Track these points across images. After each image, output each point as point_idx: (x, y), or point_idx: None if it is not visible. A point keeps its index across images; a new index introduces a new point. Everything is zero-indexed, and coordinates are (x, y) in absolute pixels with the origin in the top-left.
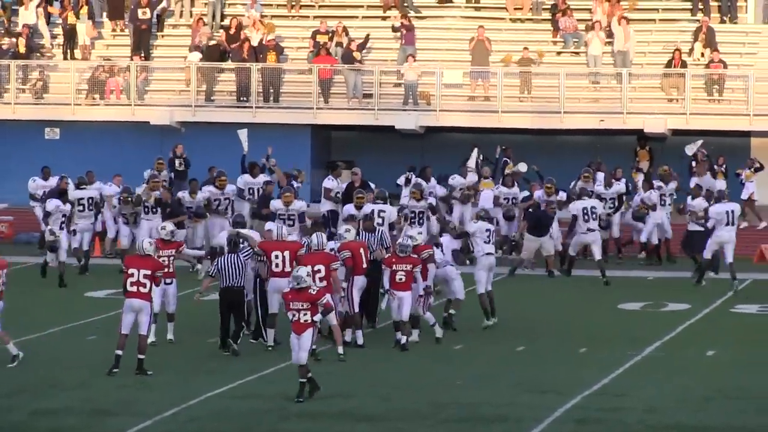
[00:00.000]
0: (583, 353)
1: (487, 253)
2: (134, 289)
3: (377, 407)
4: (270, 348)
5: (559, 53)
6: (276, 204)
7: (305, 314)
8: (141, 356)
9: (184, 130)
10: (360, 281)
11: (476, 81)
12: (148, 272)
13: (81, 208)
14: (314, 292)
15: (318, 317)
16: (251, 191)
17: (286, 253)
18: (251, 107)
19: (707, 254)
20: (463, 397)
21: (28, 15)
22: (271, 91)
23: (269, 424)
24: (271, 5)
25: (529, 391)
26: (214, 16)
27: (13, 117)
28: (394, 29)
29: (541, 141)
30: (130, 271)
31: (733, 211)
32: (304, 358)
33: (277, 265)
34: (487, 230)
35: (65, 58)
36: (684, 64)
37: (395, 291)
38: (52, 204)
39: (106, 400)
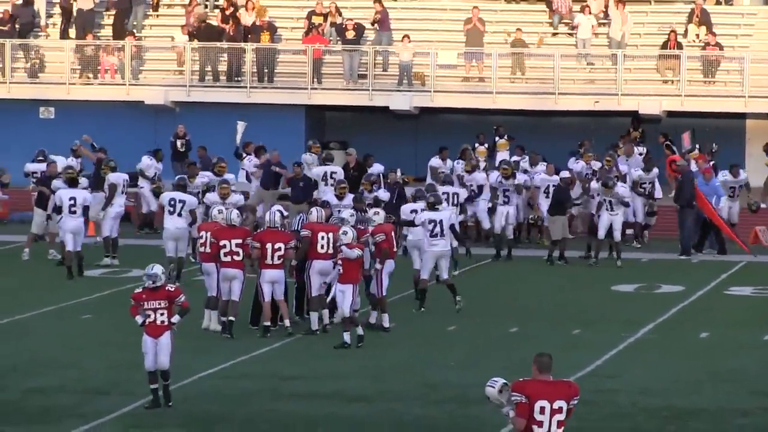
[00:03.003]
0: (576, 335)
1: (432, 245)
2: (228, 258)
3: (369, 388)
4: (317, 332)
5: (554, 35)
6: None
7: (162, 314)
8: (231, 318)
9: (178, 109)
10: (391, 265)
11: (471, 62)
12: (239, 241)
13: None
14: (172, 290)
15: (176, 318)
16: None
17: (330, 235)
18: (245, 87)
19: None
20: (456, 379)
21: None
22: (266, 71)
23: (261, 404)
24: None
25: (521, 373)
26: None
27: (8, 96)
28: (373, 23)
29: (535, 122)
30: (222, 242)
31: None
32: (166, 362)
33: (322, 246)
34: (431, 221)
35: (62, 37)
36: (679, 46)
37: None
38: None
39: (97, 380)
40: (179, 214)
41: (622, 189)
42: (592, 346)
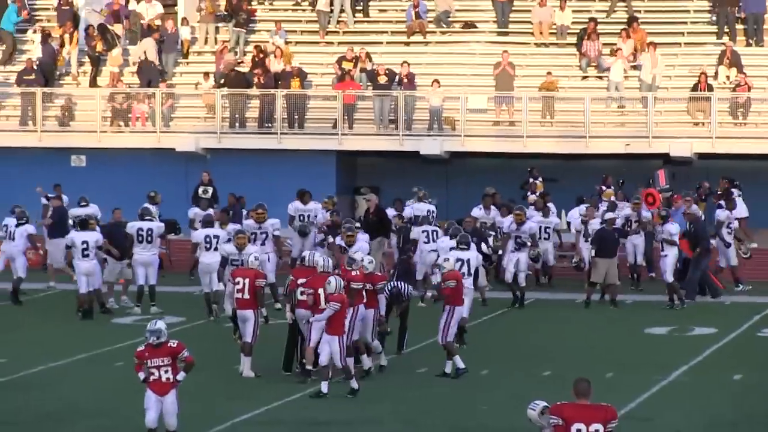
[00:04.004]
0: (610, 378)
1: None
2: (239, 295)
3: None
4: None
5: (584, 77)
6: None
7: (166, 371)
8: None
9: (209, 156)
10: (459, 312)
11: (501, 106)
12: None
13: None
14: (174, 346)
15: (181, 376)
16: (302, 218)
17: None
18: (276, 133)
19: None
20: (489, 422)
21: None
22: (296, 117)
23: None
24: (296, 32)
25: None
26: (237, 42)
27: (39, 144)
28: (400, 79)
29: (566, 165)
30: (237, 279)
31: None
32: (173, 424)
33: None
34: (459, 260)
35: (91, 86)
36: (710, 88)
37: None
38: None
39: (129, 428)
40: (215, 249)
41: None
42: (625, 389)
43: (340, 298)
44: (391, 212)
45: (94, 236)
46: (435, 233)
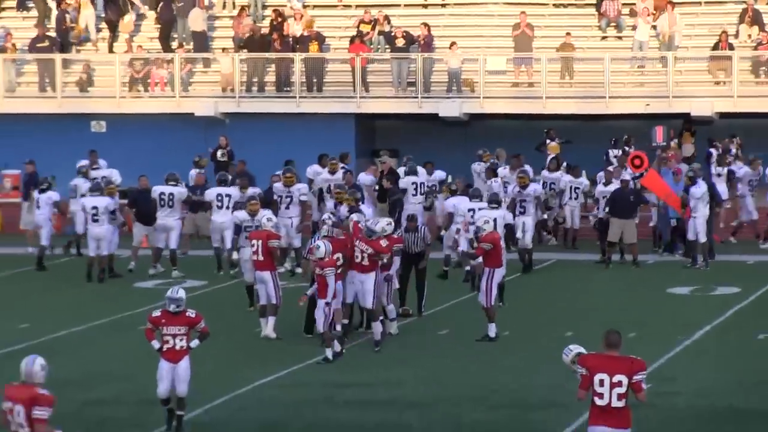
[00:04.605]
0: (633, 338)
1: None
2: (255, 257)
3: (426, 394)
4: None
5: (603, 38)
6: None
7: (181, 339)
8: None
9: (228, 121)
10: (500, 273)
11: (519, 67)
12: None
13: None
14: (192, 316)
15: (194, 343)
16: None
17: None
18: (294, 97)
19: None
20: (512, 383)
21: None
22: (314, 81)
23: (317, 412)
24: None
25: (577, 378)
26: (255, 6)
27: (59, 110)
28: (416, 39)
29: (586, 126)
30: (252, 242)
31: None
32: (184, 390)
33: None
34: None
35: (110, 51)
36: (731, 47)
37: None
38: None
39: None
40: (227, 207)
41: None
42: (648, 350)
43: (331, 263)
44: (441, 174)
45: (105, 201)
46: (423, 185)
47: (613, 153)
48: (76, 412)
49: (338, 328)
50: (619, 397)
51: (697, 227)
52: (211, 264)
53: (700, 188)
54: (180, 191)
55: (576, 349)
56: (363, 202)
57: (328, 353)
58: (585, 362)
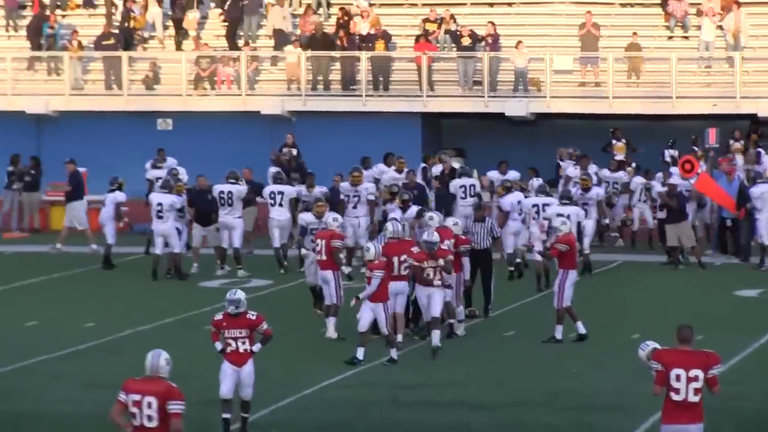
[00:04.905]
0: (700, 340)
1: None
2: (319, 257)
3: (491, 396)
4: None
5: (669, 38)
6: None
7: (243, 342)
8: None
9: (294, 119)
10: (574, 275)
11: (586, 67)
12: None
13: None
14: (253, 318)
15: (257, 347)
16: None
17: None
18: (361, 96)
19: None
20: (578, 386)
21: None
22: (380, 79)
23: (383, 413)
24: None
25: (644, 379)
26: (319, 5)
27: (125, 108)
28: (483, 38)
29: (652, 126)
30: (317, 241)
31: None
32: (249, 394)
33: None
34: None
35: (177, 49)
36: None
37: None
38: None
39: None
40: (280, 205)
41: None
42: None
43: (381, 265)
44: (493, 174)
45: (171, 199)
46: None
47: (669, 153)
48: None
49: (399, 338)
50: (696, 391)
51: (761, 229)
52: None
53: (758, 188)
54: (239, 189)
55: (652, 344)
56: (412, 204)
57: (393, 353)
58: (660, 358)
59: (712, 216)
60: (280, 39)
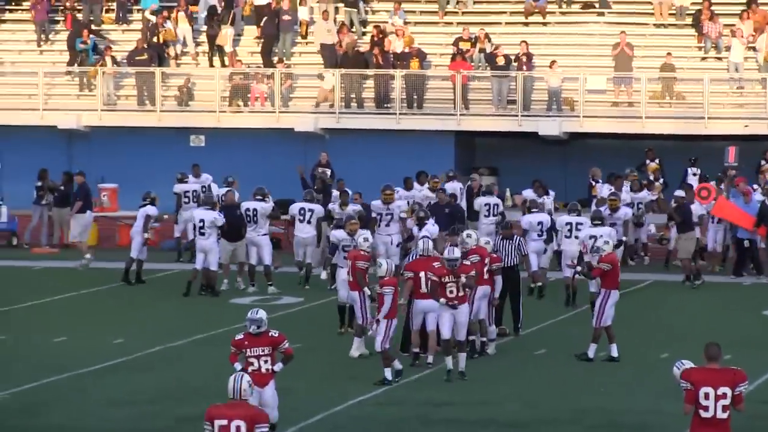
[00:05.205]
0: (728, 360)
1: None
2: (348, 277)
3: (521, 414)
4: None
5: (703, 59)
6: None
7: (266, 361)
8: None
9: (328, 136)
10: (615, 295)
11: (619, 87)
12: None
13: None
14: (276, 336)
15: (278, 367)
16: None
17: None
18: (395, 114)
19: None
20: (608, 404)
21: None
22: (414, 97)
23: (413, 431)
24: (415, 12)
25: (673, 398)
26: (352, 23)
27: (159, 124)
28: (517, 58)
29: (685, 146)
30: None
31: None
32: (275, 416)
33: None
34: (592, 236)
35: (210, 65)
36: None
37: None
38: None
39: None
40: (308, 222)
41: None
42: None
43: (392, 281)
44: (528, 193)
45: (211, 215)
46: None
47: (692, 171)
48: (170, 427)
49: (430, 359)
50: (724, 408)
51: None
52: (316, 282)
53: None
54: (264, 206)
55: (688, 363)
56: (427, 220)
57: (387, 373)
58: (689, 377)
59: (726, 236)
60: (327, 53)
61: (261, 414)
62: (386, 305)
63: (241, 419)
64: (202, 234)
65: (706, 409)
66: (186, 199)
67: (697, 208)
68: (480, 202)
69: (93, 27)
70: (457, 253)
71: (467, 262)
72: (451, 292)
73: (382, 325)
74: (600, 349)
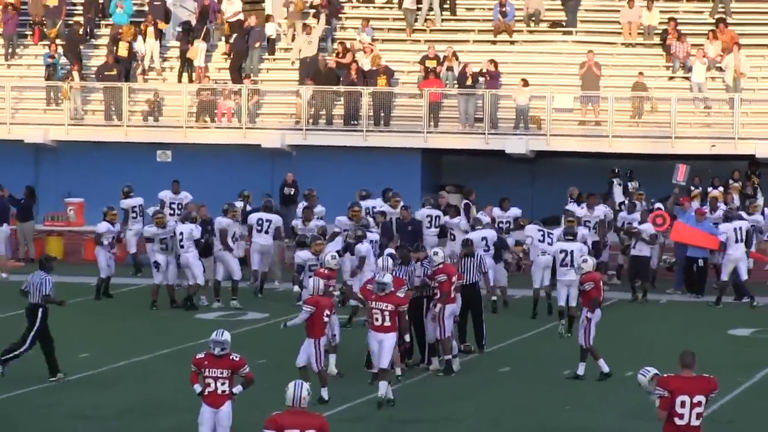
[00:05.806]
0: None
1: (562, 275)
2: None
3: (486, 431)
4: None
5: (671, 78)
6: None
7: (223, 383)
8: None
9: (295, 153)
10: (598, 313)
11: (587, 105)
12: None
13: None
14: (236, 360)
15: (237, 389)
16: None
17: None
18: (362, 131)
19: (724, 276)
20: (573, 422)
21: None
22: (382, 114)
23: None
24: (383, 29)
25: (636, 417)
26: (323, 39)
27: (126, 139)
28: (481, 74)
29: (651, 166)
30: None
31: (741, 228)
32: None
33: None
34: (563, 251)
35: (179, 81)
36: None
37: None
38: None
39: None
40: (266, 232)
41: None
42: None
43: (314, 300)
44: (496, 211)
45: (188, 228)
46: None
47: (631, 185)
48: None
49: (398, 371)
50: (698, 416)
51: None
52: (273, 297)
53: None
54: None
55: (653, 370)
56: (365, 239)
57: (323, 393)
58: (667, 384)
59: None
60: (308, 67)
61: (327, 425)
62: (299, 319)
63: (313, 429)
64: (182, 247)
65: (681, 416)
66: (134, 215)
67: (648, 228)
68: (422, 213)
69: (59, 42)
70: (388, 278)
71: (434, 283)
72: (377, 320)
73: (310, 345)
74: (587, 366)
